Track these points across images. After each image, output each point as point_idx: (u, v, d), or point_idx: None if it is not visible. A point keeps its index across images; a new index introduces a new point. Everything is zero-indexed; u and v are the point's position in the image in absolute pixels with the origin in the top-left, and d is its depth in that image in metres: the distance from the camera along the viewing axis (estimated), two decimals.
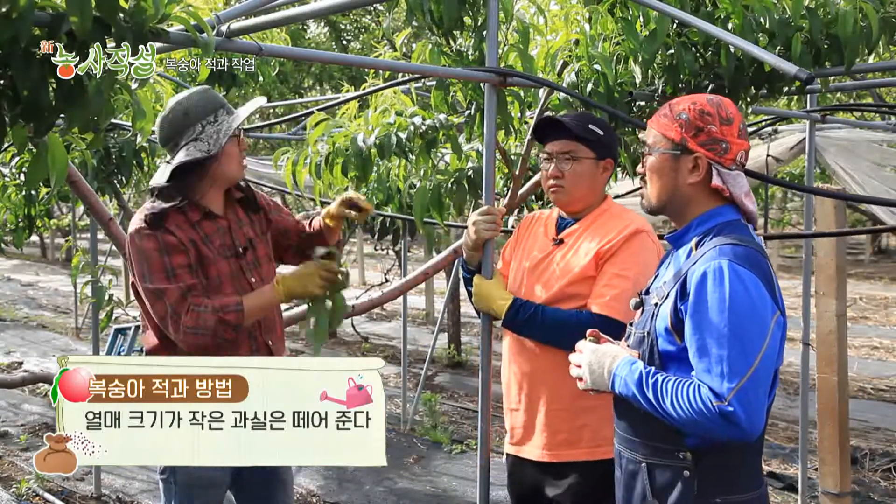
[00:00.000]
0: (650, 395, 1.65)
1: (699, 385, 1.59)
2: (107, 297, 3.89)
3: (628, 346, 1.83)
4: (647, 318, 1.77)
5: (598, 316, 2.16)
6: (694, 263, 1.67)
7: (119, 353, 8.75)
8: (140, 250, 2.22)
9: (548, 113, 2.75)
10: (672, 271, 1.76)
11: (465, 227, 2.44)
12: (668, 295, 1.71)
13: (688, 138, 1.73)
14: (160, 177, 2.29)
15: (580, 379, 1.82)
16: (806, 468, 4.32)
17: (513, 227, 3.26)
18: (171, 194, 2.28)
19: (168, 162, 2.31)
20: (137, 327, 8.73)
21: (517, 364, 2.37)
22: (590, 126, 2.28)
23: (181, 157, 2.24)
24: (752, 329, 1.58)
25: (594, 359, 1.79)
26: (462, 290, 8.51)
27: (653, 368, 1.69)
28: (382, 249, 6.75)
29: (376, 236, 4.80)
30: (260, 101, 2.45)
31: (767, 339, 1.59)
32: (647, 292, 1.85)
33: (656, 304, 1.74)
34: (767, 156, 4.64)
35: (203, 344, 2.19)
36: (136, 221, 2.25)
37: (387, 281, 9.35)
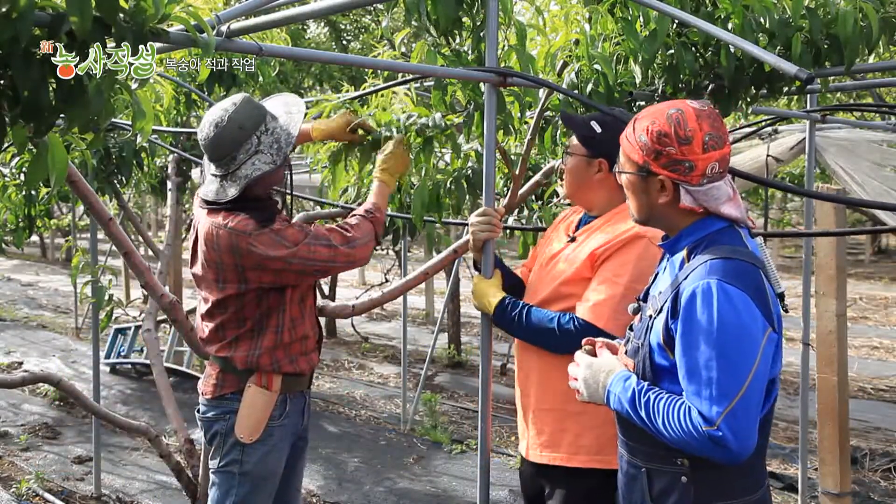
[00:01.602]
0: (642, 414, 1.65)
1: (690, 407, 1.58)
2: (107, 297, 3.89)
3: (626, 351, 1.82)
4: (643, 328, 1.75)
5: (579, 320, 2.12)
6: (686, 277, 1.65)
7: (119, 354, 8.77)
8: (263, 236, 2.29)
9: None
10: (668, 280, 1.74)
11: (466, 226, 2.45)
12: (661, 309, 1.69)
13: (650, 161, 1.69)
14: (219, 190, 2.35)
15: (578, 391, 1.83)
16: (806, 468, 4.32)
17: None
18: (260, 206, 2.37)
19: (217, 175, 2.36)
20: (137, 327, 8.73)
21: (519, 362, 2.39)
22: (591, 123, 2.26)
23: (248, 170, 2.32)
24: (742, 350, 1.55)
25: (589, 374, 1.79)
26: (462, 290, 8.53)
27: (645, 385, 1.68)
28: (382, 249, 6.75)
29: None
30: (292, 99, 2.52)
31: (758, 359, 1.56)
32: (646, 297, 1.83)
33: (651, 316, 1.73)
34: (767, 156, 4.63)
35: (371, 251, 2.46)
36: (247, 225, 2.29)
37: (387, 281, 9.36)
